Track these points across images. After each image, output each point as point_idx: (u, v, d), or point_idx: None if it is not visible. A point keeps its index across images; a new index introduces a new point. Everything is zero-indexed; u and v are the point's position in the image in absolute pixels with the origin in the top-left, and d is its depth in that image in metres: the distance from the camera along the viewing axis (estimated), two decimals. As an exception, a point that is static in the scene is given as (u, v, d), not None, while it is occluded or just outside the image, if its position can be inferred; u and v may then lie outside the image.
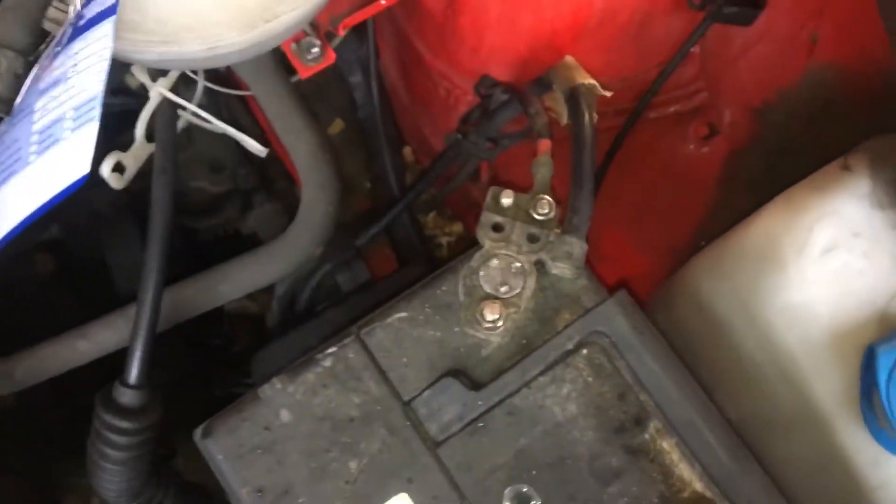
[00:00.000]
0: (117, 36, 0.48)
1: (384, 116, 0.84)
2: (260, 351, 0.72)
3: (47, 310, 0.80)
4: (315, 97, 0.84)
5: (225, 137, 0.66)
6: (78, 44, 0.47)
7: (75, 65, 0.47)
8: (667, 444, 0.51)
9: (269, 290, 0.75)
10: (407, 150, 0.88)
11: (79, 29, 0.47)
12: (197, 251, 0.82)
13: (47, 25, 0.48)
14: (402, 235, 0.81)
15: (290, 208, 0.75)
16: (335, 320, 0.70)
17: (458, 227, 0.88)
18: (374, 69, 0.81)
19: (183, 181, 0.82)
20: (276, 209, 0.83)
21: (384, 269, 0.81)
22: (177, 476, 0.68)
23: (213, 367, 0.88)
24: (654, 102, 0.70)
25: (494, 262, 0.52)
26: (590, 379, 0.52)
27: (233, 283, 0.65)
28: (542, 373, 0.52)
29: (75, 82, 0.48)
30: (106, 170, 0.59)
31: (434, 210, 0.88)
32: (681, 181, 0.73)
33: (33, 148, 0.53)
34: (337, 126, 0.88)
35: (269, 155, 0.80)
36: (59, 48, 0.47)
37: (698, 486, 0.50)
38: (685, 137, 0.72)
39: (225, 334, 0.92)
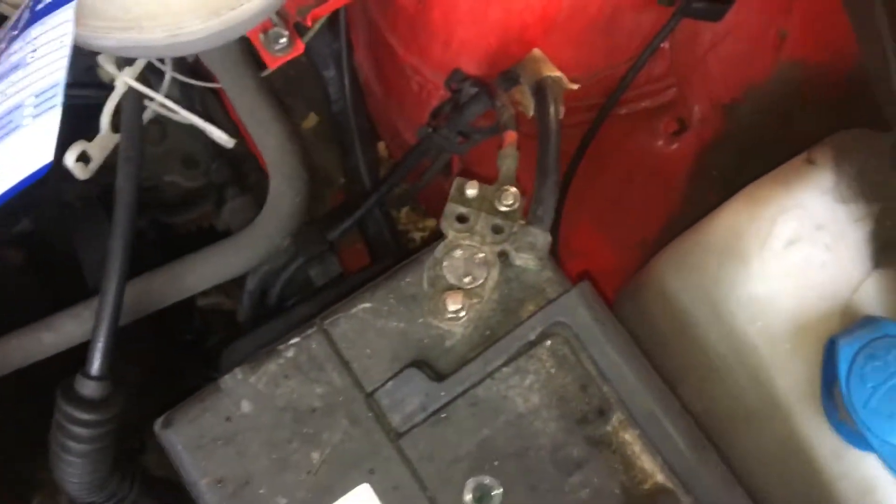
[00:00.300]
0: (78, 22, 0.48)
1: (357, 111, 0.83)
2: (230, 345, 0.71)
3: (17, 303, 0.79)
4: (289, 91, 0.84)
5: (199, 133, 0.66)
6: (36, 29, 0.46)
7: (34, 50, 0.47)
8: (629, 436, 0.51)
9: (242, 285, 0.75)
10: (381, 145, 0.87)
11: (37, 13, 0.47)
12: (172, 247, 0.82)
13: (3, 9, 0.47)
14: (374, 230, 0.81)
15: (262, 202, 0.74)
16: (306, 315, 0.69)
17: (431, 223, 0.88)
18: (346, 63, 0.81)
19: (157, 176, 0.81)
20: (248, 203, 0.82)
21: (357, 265, 0.81)
22: (144, 470, 0.68)
23: (185, 362, 0.87)
24: (624, 98, 0.70)
25: (458, 253, 0.52)
26: (553, 370, 0.51)
27: (200, 274, 0.65)
28: (505, 364, 0.52)
29: (35, 68, 0.48)
30: (70, 159, 0.59)
31: (407, 205, 0.88)
32: (651, 177, 0.73)
33: (-7, 135, 0.52)
34: (311, 120, 0.87)
35: (242, 150, 0.80)
36: (15, 32, 0.47)
37: (660, 477, 0.50)
38: (655, 133, 0.72)
39: (198, 330, 0.92)
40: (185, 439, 0.50)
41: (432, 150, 0.71)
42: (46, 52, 0.48)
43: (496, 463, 0.50)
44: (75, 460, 0.56)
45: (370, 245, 0.82)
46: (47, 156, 0.55)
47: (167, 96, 0.64)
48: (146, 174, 0.81)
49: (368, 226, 0.81)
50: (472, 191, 0.54)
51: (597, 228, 0.74)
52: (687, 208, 0.71)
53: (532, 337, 0.52)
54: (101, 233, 0.80)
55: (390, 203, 0.85)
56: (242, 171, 0.84)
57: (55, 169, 0.58)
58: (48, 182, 0.64)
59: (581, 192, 0.70)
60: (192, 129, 0.66)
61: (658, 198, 0.72)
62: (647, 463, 0.51)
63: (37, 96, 0.49)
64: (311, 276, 0.77)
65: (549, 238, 0.52)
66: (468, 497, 0.49)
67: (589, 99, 0.70)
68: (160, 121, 0.76)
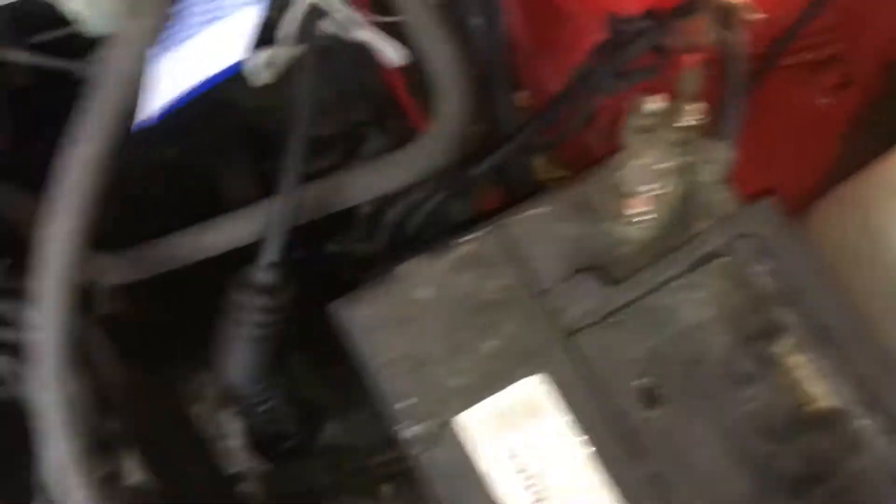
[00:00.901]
0: None
1: (502, 59, 0.84)
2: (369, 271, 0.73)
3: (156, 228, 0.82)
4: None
5: (337, 77, 0.68)
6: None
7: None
8: (802, 358, 0.50)
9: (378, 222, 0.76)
10: (523, 95, 0.88)
11: None
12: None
13: None
14: (514, 174, 0.82)
15: (400, 146, 0.76)
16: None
17: (565, 174, 0.88)
18: (494, 10, 0.81)
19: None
20: (387, 144, 0.84)
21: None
22: (291, 384, 0.69)
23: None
24: (788, 49, 0.69)
25: (638, 162, 0.53)
26: (727, 285, 0.51)
27: (363, 185, 0.66)
28: (679, 275, 0.52)
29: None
30: (260, 62, 0.61)
31: (546, 154, 0.88)
32: (810, 132, 0.72)
33: (198, 19, 0.55)
34: (455, 70, 0.88)
35: (381, 92, 0.82)
36: None
37: (833, 400, 0.50)
38: (817, 87, 0.71)
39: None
40: (362, 319, 0.51)
41: (586, 91, 0.71)
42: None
43: (664, 369, 0.50)
44: (244, 346, 0.58)
45: (508, 189, 0.83)
46: (240, 52, 0.57)
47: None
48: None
49: (508, 169, 0.82)
50: (653, 105, 0.54)
51: (753, 181, 0.73)
52: (845, 164, 0.70)
53: (708, 250, 0.52)
54: (243, 174, 0.83)
55: (530, 150, 0.85)
56: (383, 113, 0.86)
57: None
58: (204, 109, 0.67)
59: (738, 145, 0.69)
60: (331, 73, 0.68)
61: (816, 152, 0.71)
62: (820, 386, 0.50)
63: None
64: (449, 213, 0.78)
65: (732, 153, 0.52)
66: (637, 398, 0.49)
67: (753, 47, 0.69)
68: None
